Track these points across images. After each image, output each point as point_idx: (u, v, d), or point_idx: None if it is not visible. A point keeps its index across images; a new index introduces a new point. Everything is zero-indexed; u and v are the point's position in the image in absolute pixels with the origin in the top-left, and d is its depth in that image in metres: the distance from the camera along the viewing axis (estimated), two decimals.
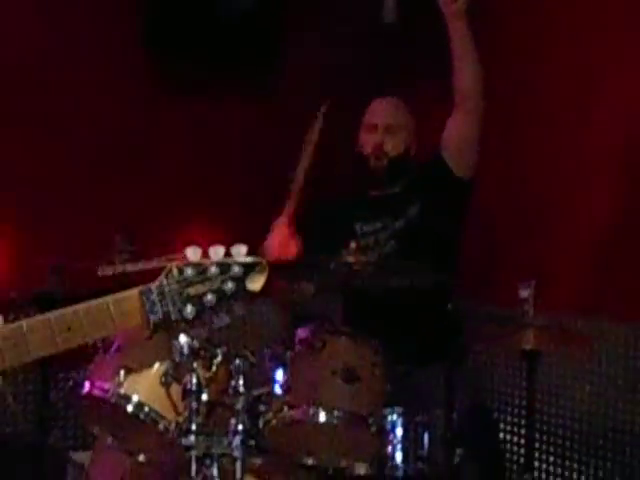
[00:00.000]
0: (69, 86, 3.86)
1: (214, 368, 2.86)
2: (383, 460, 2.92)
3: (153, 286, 1.83)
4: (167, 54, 4.02)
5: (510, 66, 3.77)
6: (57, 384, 3.18)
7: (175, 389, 2.80)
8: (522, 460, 3.02)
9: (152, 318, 1.83)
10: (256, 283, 1.85)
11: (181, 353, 2.81)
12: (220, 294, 1.83)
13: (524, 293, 2.98)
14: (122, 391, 2.82)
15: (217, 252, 1.86)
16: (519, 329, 2.96)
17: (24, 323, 1.78)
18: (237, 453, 2.71)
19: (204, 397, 2.75)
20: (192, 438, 2.73)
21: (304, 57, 4.21)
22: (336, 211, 3.53)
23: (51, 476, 3.48)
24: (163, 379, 2.81)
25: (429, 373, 3.05)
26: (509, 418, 3.59)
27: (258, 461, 2.91)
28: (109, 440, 3.01)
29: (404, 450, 2.94)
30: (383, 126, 3.45)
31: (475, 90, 3.28)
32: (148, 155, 4.02)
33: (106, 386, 2.83)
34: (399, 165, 3.44)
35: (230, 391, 2.75)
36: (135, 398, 2.83)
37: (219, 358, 2.86)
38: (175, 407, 2.80)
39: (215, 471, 2.71)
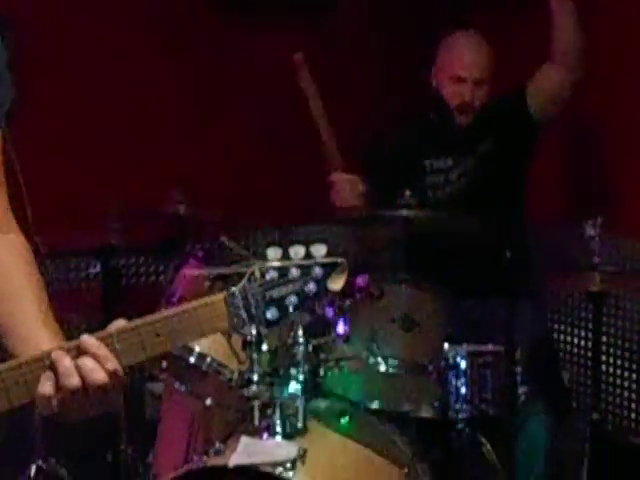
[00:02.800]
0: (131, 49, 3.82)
1: None
2: (447, 402, 2.93)
3: (237, 290, 1.82)
4: None
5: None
6: None
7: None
8: (588, 399, 2.98)
9: (236, 322, 1.83)
10: (337, 283, 1.85)
11: None
12: (302, 295, 1.82)
13: (590, 231, 2.91)
14: None
15: (297, 252, 1.84)
16: (585, 270, 2.90)
17: (114, 331, 1.75)
18: (298, 401, 2.74)
19: (264, 347, 2.77)
20: (254, 387, 2.76)
21: None
22: (403, 145, 3.43)
23: (131, 406, 3.56)
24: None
25: (491, 310, 3.01)
26: (575, 359, 3.55)
27: (322, 405, 2.96)
28: (176, 385, 3.08)
29: (468, 391, 2.95)
30: (472, 80, 3.28)
31: (574, 50, 3.14)
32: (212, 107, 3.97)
33: None
34: (483, 116, 3.32)
35: (290, 341, 2.77)
36: (197, 349, 2.88)
37: None
38: (237, 356, 2.84)
39: (277, 419, 2.74)
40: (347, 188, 3.22)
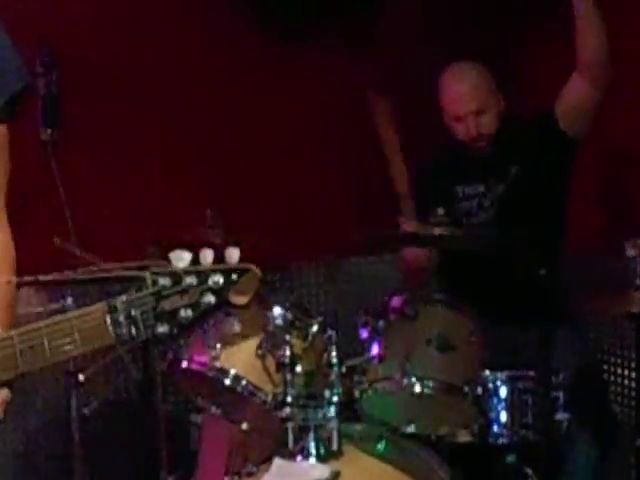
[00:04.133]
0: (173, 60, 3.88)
1: (310, 338, 2.87)
2: (486, 427, 2.88)
3: (119, 301, 1.60)
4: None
5: None
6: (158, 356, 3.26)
7: (270, 361, 2.82)
8: (634, 424, 2.90)
9: (120, 336, 1.60)
10: (241, 296, 1.59)
11: (275, 325, 2.83)
12: (197, 308, 1.58)
13: (631, 251, 2.85)
14: (219, 364, 2.86)
15: (205, 257, 1.60)
16: (626, 290, 2.84)
17: None
18: (333, 424, 2.71)
19: (298, 369, 2.75)
20: (288, 410, 2.74)
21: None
22: (435, 174, 3.40)
23: (175, 437, 3.57)
24: (258, 351, 2.83)
25: (532, 336, 2.96)
26: (619, 380, 3.46)
27: (358, 428, 2.92)
28: (213, 409, 3.07)
29: (508, 416, 2.89)
30: (469, 114, 3.21)
31: (599, 59, 3.07)
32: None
33: (203, 359, 2.87)
34: (511, 138, 3.25)
35: (324, 362, 2.75)
36: (232, 371, 2.86)
37: (315, 328, 2.86)
38: (272, 379, 2.83)
39: (312, 442, 2.71)
40: (415, 264, 3.23)
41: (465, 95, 3.22)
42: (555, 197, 3.26)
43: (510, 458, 3.01)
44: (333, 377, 2.72)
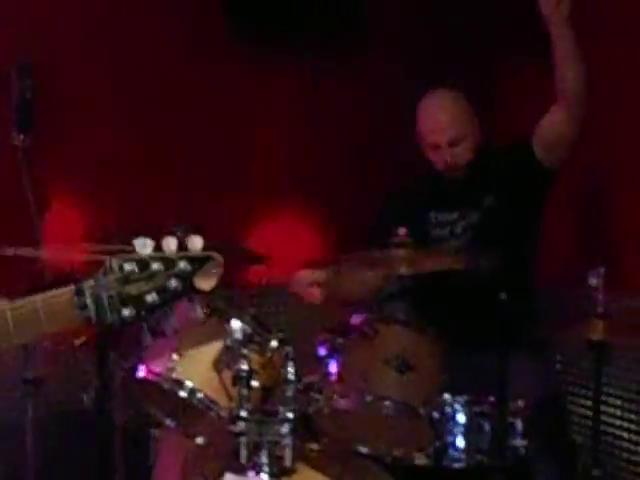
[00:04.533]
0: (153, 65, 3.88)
1: (268, 354, 2.85)
2: (443, 450, 2.85)
3: (87, 285, 1.64)
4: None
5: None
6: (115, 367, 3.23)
7: (227, 374, 2.79)
8: (591, 454, 2.89)
9: (85, 318, 1.66)
10: (206, 282, 1.65)
11: (234, 338, 2.81)
12: (163, 293, 1.64)
13: (593, 281, 2.84)
14: (175, 376, 2.83)
15: (169, 244, 1.66)
16: (587, 318, 2.83)
17: None
18: (287, 441, 2.68)
19: (255, 384, 2.72)
20: (242, 424, 2.70)
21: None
22: (411, 198, 3.38)
23: (134, 452, 3.52)
24: (216, 364, 2.81)
25: (492, 361, 2.94)
26: (579, 410, 3.45)
27: (313, 447, 2.90)
28: (168, 422, 3.04)
29: (465, 441, 2.87)
30: (446, 143, 3.20)
31: (578, 91, 3.06)
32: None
33: (159, 370, 2.85)
34: (487, 167, 3.23)
35: (280, 378, 2.72)
36: (189, 384, 2.83)
37: (274, 343, 2.84)
38: (228, 393, 2.80)
39: (265, 458, 2.68)
40: (304, 287, 3.15)
41: (442, 125, 3.21)
42: (529, 226, 3.25)
43: None
44: (289, 393, 2.70)
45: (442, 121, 3.22)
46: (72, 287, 1.64)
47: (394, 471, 2.83)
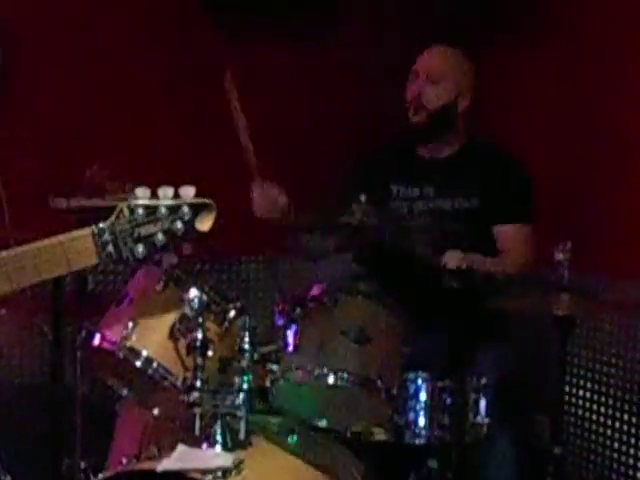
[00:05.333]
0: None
1: (226, 324, 2.78)
2: (404, 426, 2.80)
3: (105, 225, 1.88)
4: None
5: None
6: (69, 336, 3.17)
7: (183, 344, 2.73)
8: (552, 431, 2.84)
9: (104, 257, 1.89)
10: (205, 224, 1.92)
11: (191, 307, 2.74)
12: (170, 234, 1.89)
13: (559, 255, 2.79)
14: (130, 345, 2.76)
15: (166, 193, 1.92)
16: (553, 293, 2.77)
17: None
18: (241, 412, 2.62)
19: (210, 353, 2.65)
20: (196, 394, 2.64)
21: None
22: (377, 166, 3.32)
23: (97, 423, 3.47)
24: (172, 333, 2.74)
25: (453, 337, 2.88)
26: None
27: (272, 420, 2.84)
28: (124, 392, 2.98)
29: (426, 417, 2.81)
30: (424, 73, 3.20)
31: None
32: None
33: (115, 339, 2.78)
34: (440, 120, 3.20)
35: (236, 348, 2.66)
36: (144, 353, 2.76)
37: (232, 313, 2.78)
38: (183, 362, 2.73)
39: (219, 430, 2.62)
40: (266, 199, 3.11)
41: (431, 58, 3.26)
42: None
43: (432, 463, 2.95)
44: (245, 364, 2.63)
45: (431, 55, 3.28)
46: (92, 227, 1.87)
47: (353, 446, 2.79)
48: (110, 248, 1.87)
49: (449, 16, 4.06)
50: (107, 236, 1.87)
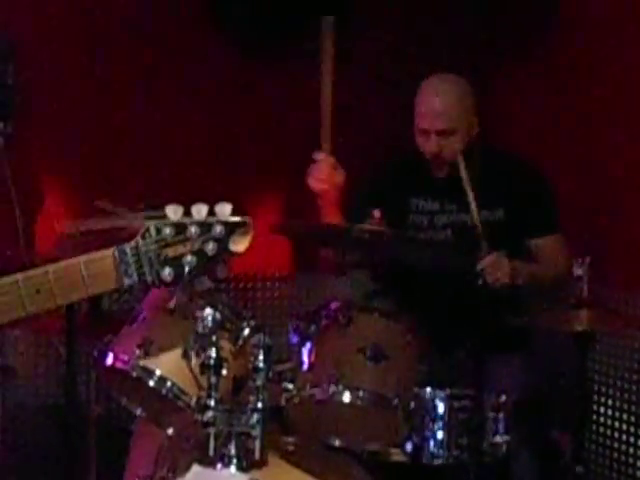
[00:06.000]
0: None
1: (240, 342, 2.75)
2: (421, 446, 2.75)
3: (128, 247, 1.73)
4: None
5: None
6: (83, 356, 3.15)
7: (198, 363, 2.70)
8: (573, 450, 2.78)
9: (127, 281, 1.74)
10: (240, 244, 1.76)
11: (205, 325, 2.71)
12: (200, 256, 1.74)
13: (579, 270, 2.75)
14: (143, 364, 2.74)
15: (199, 211, 1.76)
16: (572, 309, 2.73)
17: None
18: (256, 432, 2.58)
19: (224, 372, 2.62)
20: (210, 414, 2.60)
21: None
22: (391, 181, 3.24)
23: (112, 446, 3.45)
24: (185, 352, 2.71)
25: (470, 354, 2.83)
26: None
27: (288, 441, 2.80)
28: (138, 412, 2.95)
29: (444, 436, 2.77)
30: (434, 132, 3.08)
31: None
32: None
33: (127, 358, 2.76)
34: (483, 167, 3.06)
35: (250, 367, 2.62)
36: (158, 372, 2.73)
37: (246, 332, 2.74)
38: (197, 382, 2.70)
39: (233, 449, 2.58)
40: (325, 171, 3.02)
41: (435, 112, 3.09)
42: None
43: None
44: (259, 382, 2.60)
45: (436, 109, 3.09)
46: (114, 248, 1.73)
47: (369, 465, 2.74)
48: (132, 271, 1.73)
49: (453, 28, 4.04)
50: (129, 257, 1.72)
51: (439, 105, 3.09)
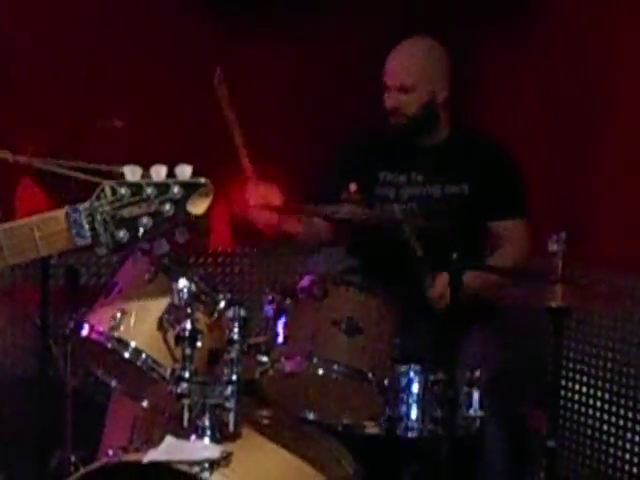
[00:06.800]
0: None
1: (216, 315, 2.75)
2: (396, 420, 2.77)
3: (82, 207, 1.70)
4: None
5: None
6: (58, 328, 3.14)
7: (172, 335, 2.69)
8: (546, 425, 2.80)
9: (79, 242, 1.71)
10: (199, 206, 1.71)
11: (180, 297, 2.70)
12: (157, 217, 1.70)
13: (553, 246, 2.75)
14: (118, 335, 2.72)
15: (158, 172, 1.72)
16: (547, 285, 2.73)
17: None
18: (230, 404, 2.58)
19: (199, 344, 2.62)
20: (184, 386, 2.60)
21: None
22: (362, 153, 3.27)
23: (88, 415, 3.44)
24: (160, 324, 2.71)
25: (447, 329, 2.84)
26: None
27: (262, 413, 2.81)
28: (113, 383, 2.95)
29: (419, 410, 2.78)
30: (396, 87, 3.14)
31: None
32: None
33: (103, 329, 2.75)
34: (420, 121, 3.17)
35: (225, 339, 2.62)
36: (133, 343, 2.71)
37: (222, 304, 2.74)
38: (172, 354, 2.70)
39: (207, 421, 2.58)
40: (261, 200, 3.01)
41: (397, 67, 3.17)
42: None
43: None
44: (234, 355, 2.60)
45: (398, 64, 3.19)
46: (67, 208, 1.68)
47: (344, 438, 2.76)
48: (85, 232, 1.68)
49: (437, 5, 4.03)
50: (83, 218, 1.67)
51: (401, 61, 3.20)
